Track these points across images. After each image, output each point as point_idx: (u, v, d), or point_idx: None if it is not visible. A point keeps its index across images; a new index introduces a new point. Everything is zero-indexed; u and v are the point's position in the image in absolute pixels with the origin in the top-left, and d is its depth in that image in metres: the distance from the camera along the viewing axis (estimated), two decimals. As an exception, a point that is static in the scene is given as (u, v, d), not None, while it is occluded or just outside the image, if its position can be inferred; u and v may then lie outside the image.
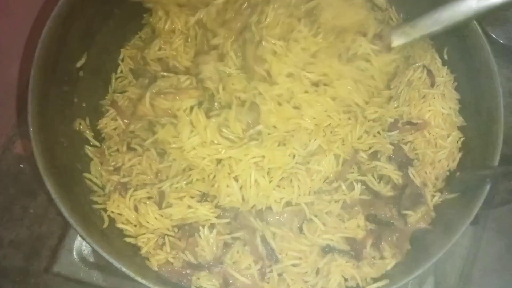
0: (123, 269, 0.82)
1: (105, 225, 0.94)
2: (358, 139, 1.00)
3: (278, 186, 0.96)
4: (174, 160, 0.97)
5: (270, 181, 0.95)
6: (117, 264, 0.82)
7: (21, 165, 1.19)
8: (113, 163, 1.00)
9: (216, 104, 1.00)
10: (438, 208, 1.01)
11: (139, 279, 0.82)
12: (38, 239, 1.14)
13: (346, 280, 0.94)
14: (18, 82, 1.17)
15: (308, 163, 0.97)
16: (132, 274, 0.82)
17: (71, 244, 1.09)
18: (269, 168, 0.95)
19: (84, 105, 1.04)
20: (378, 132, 1.03)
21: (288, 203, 0.96)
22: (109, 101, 1.08)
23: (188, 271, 0.92)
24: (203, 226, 0.93)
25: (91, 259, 1.09)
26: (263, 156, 0.94)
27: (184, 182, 0.96)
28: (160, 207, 0.95)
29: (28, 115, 0.89)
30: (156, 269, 0.92)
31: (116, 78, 1.11)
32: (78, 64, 1.03)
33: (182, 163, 0.97)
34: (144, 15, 1.12)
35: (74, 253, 1.09)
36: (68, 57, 1.00)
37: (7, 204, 1.17)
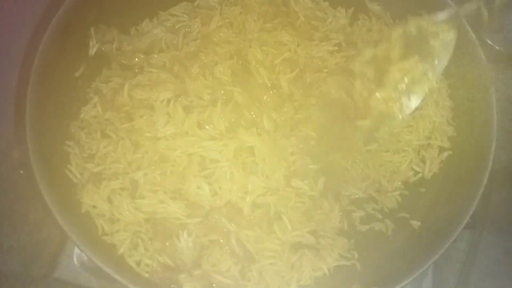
0: (115, 276, 0.83)
1: (100, 232, 0.95)
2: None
3: (254, 174, 0.96)
4: (146, 152, 0.97)
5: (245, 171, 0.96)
6: (109, 270, 0.84)
7: (21, 171, 1.19)
8: (88, 151, 0.99)
9: (193, 99, 1.01)
10: (432, 211, 1.02)
11: (131, 286, 0.83)
12: (38, 244, 1.14)
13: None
14: (17, 88, 1.17)
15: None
16: (124, 281, 0.83)
17: (72, 250, 1.08)
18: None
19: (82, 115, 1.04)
20: None
21: (255, 205, 0.96)
22: (94, 89, 1.06)
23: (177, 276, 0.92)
24: (183, 230, 0.93)
25: (92, 264, 1.08)
26: (253, 147, 0.96)
27: (158, 173, 0.96)
28: (133, 198, 0.95)
29: (26, 126, 0.90)
30: (147, 276, 0.92)
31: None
32: (77, 74, 1.04)
33: (154, 156, 0.97)
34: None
35: (75, 258, 1.08)
36: (67, 66, 1.01)
37: (7, 210, 1.17)
